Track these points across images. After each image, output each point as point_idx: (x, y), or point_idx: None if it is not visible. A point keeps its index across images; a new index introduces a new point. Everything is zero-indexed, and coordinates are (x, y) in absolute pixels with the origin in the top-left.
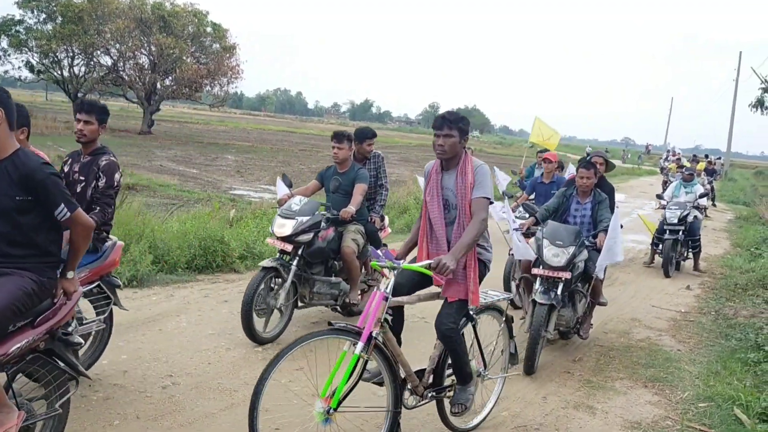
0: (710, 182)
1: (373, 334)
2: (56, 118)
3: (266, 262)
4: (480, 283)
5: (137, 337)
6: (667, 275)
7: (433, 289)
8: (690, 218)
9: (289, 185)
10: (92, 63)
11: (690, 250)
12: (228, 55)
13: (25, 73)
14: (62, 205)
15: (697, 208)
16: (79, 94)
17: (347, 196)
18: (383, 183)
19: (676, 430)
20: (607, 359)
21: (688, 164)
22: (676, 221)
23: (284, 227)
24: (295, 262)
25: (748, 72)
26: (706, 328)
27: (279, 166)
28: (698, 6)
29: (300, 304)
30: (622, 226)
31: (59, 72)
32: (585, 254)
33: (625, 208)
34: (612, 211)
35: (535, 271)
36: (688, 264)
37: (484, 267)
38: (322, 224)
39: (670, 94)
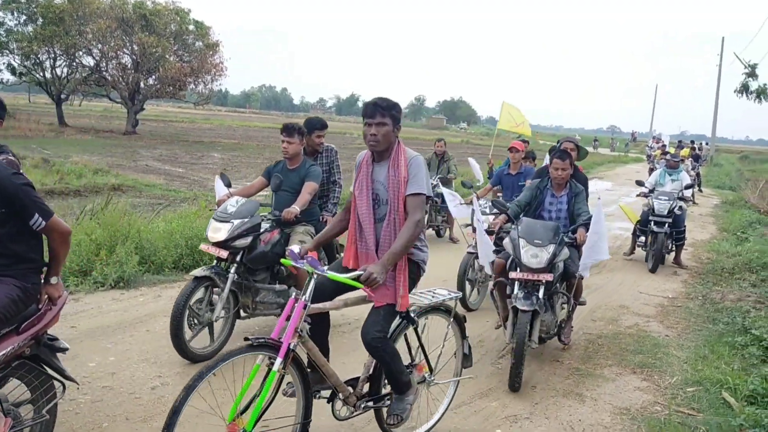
0: (696, 168)
1: (291, 347)
2: (40, 120)
3: (198, 271)
4: (414, 285)
5: (125, 338)
6: (654, 270)
7: (362, 292)
8: (676, 209)
9: (228, 185)
10: (74, 64)
11: (674, 242)
12: (211, 52)
13: (7, 76)
14: (36, 215)
15: (682, 198)
16: (63, 96)
17: (295, 195)
18: (336, 179)
19: (665, 415)
20: (596, 347)
21: (672, 150)
22: (665, 213)
23: (219, 232)
24: (233, 270)
25: (731, 58)
26: (693, 313)
27: (265, 163)
28: None
29: (243, 314)
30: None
31: (41, 74)
32: (566, 253)
33: (612, 195)
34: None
35: (513, 275)
36: (670, 257)
37: (417, 268)
38: (264, 226)
39: (654, 81)
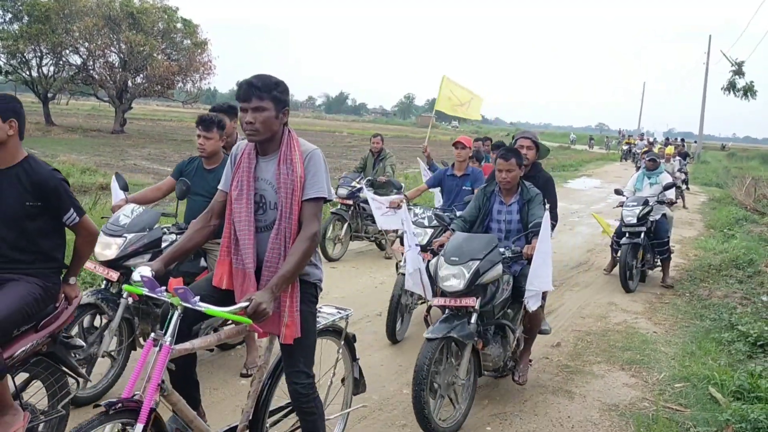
0: (683, 166)
1: (154, 406)
2: (26, 119)
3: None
4: (312, 309)
5: None
6: (626, 289)
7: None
8: (655, 216)
9: (124, 187)
10: (61, 62)
11: (657, 256)
12: (199, 50)
13: None
14: (71, 210)
15: (661, 202)
16: (49, 95)
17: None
18: None
19: (653, 411)
20: (585, 344)
21: (657, 149)
22: (634, 221)
23: (108, 248)
24: (125, 294)
25: (718, 55)
26: (681, 310)
27: None
28: None
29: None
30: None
31: (28, 72)
32: (497, 271)
33: (600, 193)
34: (553, 210)
35: (434, 301)
36: (657, 273)
37: (313, 289)
38: (168, 241)
39: (642, 79)
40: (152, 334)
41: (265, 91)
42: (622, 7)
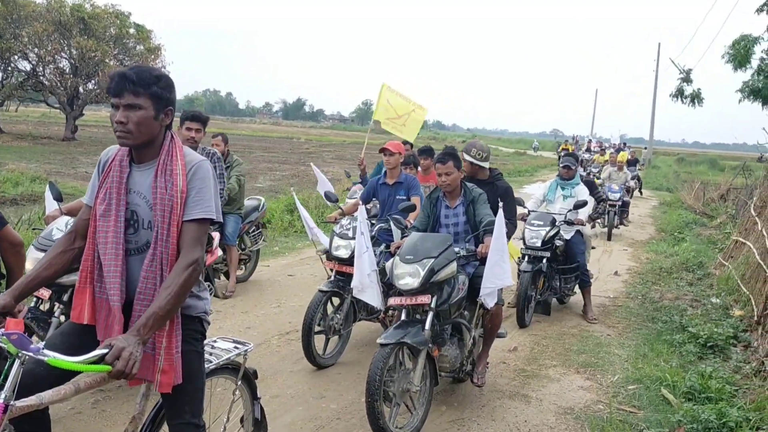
0: (635, 173)
1: None
2: None
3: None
4: (198, 348)
5: None
6: (521, 324)
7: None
8: (566, 235)
9: (58, 197)
10: (10, 68)
11: (573, 282)
12: (153, 56)
13: None
14: None
15: (570, 222)
16: None
17: None
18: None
19: (607, 414)
20: (541, 347)
21: (606, 157)
22: (538, 244)
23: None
24: (57, 312)
25: (667, 62)
26: (633, 312)
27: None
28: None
29: None
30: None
31: None
32: (452, 268)
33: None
34: (511, 214)
35: (390, 300)
36: (576, 302)
37: (198, 324)
38: None
39: (594, 86)
40: None
41: (142, 86)
42: (575, 14)
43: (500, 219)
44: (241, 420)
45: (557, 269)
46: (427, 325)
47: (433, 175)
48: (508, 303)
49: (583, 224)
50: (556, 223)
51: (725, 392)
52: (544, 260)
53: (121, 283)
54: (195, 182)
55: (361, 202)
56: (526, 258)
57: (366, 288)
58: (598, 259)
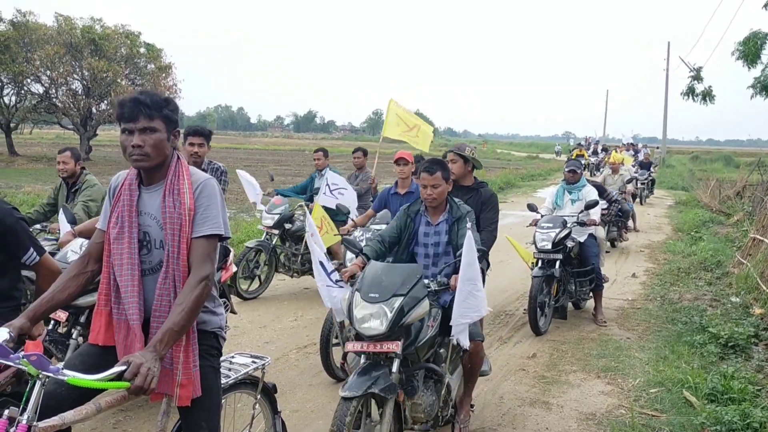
0: (648, 176)
1: None
2: None
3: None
4: (215, 363)
5: None
6: (536, 332)
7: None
8: (579, 238)
9: (72, 221)
10: (23, 91)
11: (588, 286)
12: (164, 75)
13: None
14: (31, 249)
15: (582, 224)
16: (12, 125)
17: None
18: None
19: (629, 418)
20: (560, 353)
21: (613, 155)
22: (549, 246)
23: None
24: (75, 334)
25: (678, 61)
26: (652, 315)
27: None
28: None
29: None
30: (484, 254)
31: None
32: (424, 308)
33: None
34: (493, 228)
35: (348, 346)
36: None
37: (214, 339)
38: None
39: (605, 87)
40: (6, 411)
41: (156, 109)
42: (584, 15)
43: (469, 242)
44: None
45: (572, 273)
46: (395, 369)
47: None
48: (524, 310)
49: (596, 224)
50: (567, 225)
51: (748, 392)
52: (557, 264)
53: (139, 302)
54: (202, 200)
55: (373, 210)
56: (539, 263)
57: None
58: (615, 261)
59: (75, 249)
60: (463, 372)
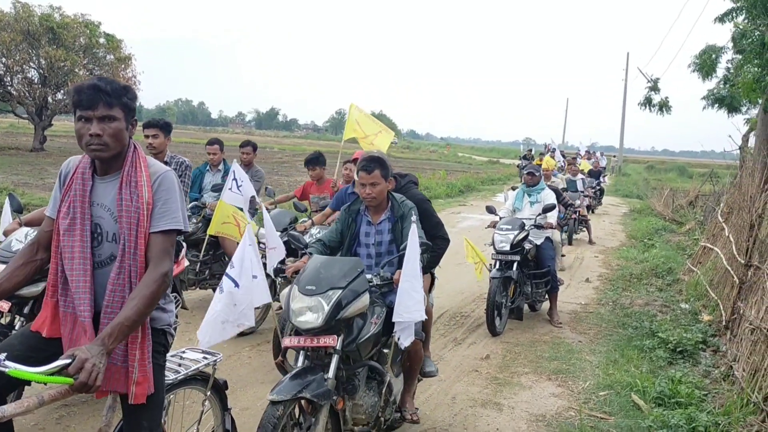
0: (597, 185)
1: None
2: None
3: None
4: (162, 360)
5: None
6: (492, 332)
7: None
8: (536, 240)
9: (18, 209)
10: None
11: (544, 288)
12: (123, 66)
13: None
14: None
15: (540, 226)
16: None
17: None
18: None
19: (578, 420)
20: (513, 355)
21: (579, 166)
22: (507, 248)
23: None
24: (18, 326)
25: (636, 72)
26: (604, 319)
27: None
28: (589, 11)
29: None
30: (426, 254)
31: None
32: (363, 302)
33: None
34: (438, 228)
35: (285, 341)
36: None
37: (163, 337)
38: None
39: (565, 95)
40: None
41: (115, 97)
42: (546, 24)
43: (413, 237)
44: None
45: (528, 275)
46: (331, 372)
47: (328, 184)
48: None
49: (552, 227)
50: (526, 227)
51: (694, 397)
52: (514, 266)
53: (90, 297)
54: (161, 193)
55: (330, 209)
56: (497, 264)
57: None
58: (570, 265)
59: (20, 238)
60: (403, 371)
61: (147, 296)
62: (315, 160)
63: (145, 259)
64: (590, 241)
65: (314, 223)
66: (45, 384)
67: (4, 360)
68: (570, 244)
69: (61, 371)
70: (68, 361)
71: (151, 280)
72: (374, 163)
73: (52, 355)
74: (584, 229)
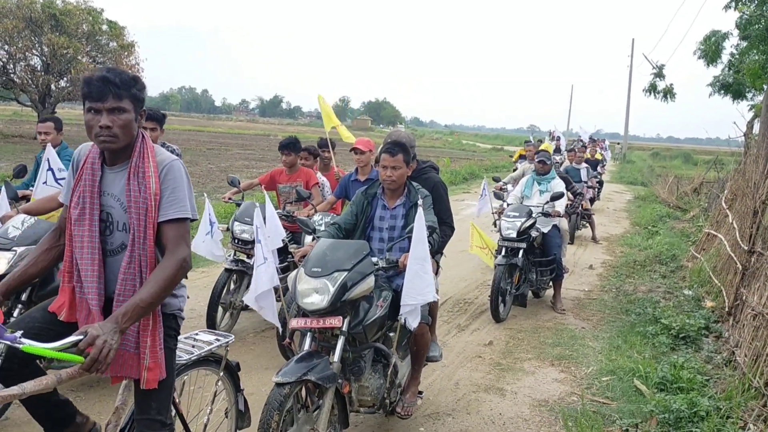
0: (598, 176)
1: None
2: None
3: None
4: (173, 345)
5: None
6: (496, 318)
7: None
8: (543, 228)
9: (14, 197)
10: None
11: (549, 276)
12: (126, 53)
13: None
14: None
15: (547, 214)
16: None
17: None
18: None
19: (581, 405)
20: (516, 341)
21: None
22: (514, 235)
23: None
24: (16, 313)
25: (641, 58)
26: (608, 305)
27: (186, 166)
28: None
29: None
30: (436, 233)
31: None
32: (368, 284)
33: None
34: (446, 215)
35: (292, 323)
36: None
37: (174, 321)
38: None
39: (570, 82)
40: None
41: (125, 89)
42: (551, 10)
43: (420, 220)
44: (225, 412)
45: (534, 262)
46: (337, 355)
47: (301, 171)
48: (488, 296)
49: (560, 216)
50: (533, 215)
51: (696, 382)
52: (520, 253)
53: (98, 286)
54: (168, 183)
55: (334, 197)
56: (503, 251)
57: (264, 303)
58: (573, 252)
59: (16, 224)
60: (410, 355)
61: (165, 279)
62: (292, 146)
63: (154, 248)
64: (594, 239)
65: (317, 210)
66: (58, 361)
67: (20, 337)
68: (572, 243)
69: (74, 347)
70: (80, 337)
71: (169, 264)
72: (398, 147)
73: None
74: (587, 224)
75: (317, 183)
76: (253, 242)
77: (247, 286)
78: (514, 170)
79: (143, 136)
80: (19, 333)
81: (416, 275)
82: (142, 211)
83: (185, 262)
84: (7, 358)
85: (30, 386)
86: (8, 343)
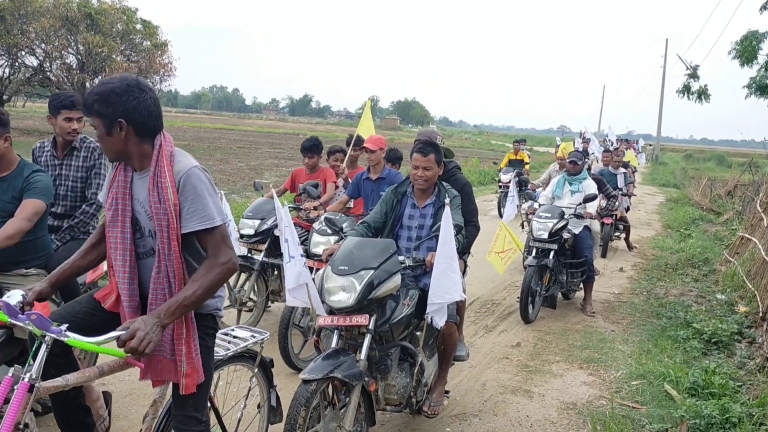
0: (629, 180)
1: None
2: None
3: None
4: (211, 344)
5: None
6: (525, 320)
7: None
8: (574, 230)
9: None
10: (17, 64)
11: (579, 278)
12: (159, 52)
13: None
14: None
15: (580, 216)
16: (4, 97)
17: (5, 220)
18: (96, 192)
19: (609, 409)
20: (545, 343)
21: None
22: (545, 236)
23: None
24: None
25: (675, 59)
26: (638, 309)
27: (216, 164)
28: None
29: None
30: (462, 233)
31: None
32: (395, 282)
33: None
34: (472, 215)
35: (320, 321)
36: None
37: (212, 320)
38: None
39: (602, 82)
40: (11, 369)
41: (86, 107)
42: (583, 10)
43: (447, 219)
44: (258, 407)
45: (564, 263)
46: (363, 353)
47: (321, 171)
48: (517, 298)
49: (592, 217)
50: (565, 216)
51: (728, 388)
52: (551, 255)
53: (129, 288)
54: (187, 193)
55: (347, 196)
56: (533, 252)
57: (300, 297)
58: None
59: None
60: (437, 355)
61: (211, 279)
62: (315, 147)
63: (181, 258)
64: (628, 246)
65: (326, 209)
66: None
67: (65, 330)
68: (604, 256)
69: (116, 342)
70: (123, 332)
71: (211, 267)
72: (431, 146)
73: (110, 324)
74: (619, 237)
75: (334, 181)
76: (254, 236)
77: (255, 282)
78: (499, 181)
79: (161, 143)
80: (64, 326)
81: (443, 274)
82: (164, 222)
83: (226, 266)
84: (52, 350)
85: (74, 378)
86: (55, 336)
